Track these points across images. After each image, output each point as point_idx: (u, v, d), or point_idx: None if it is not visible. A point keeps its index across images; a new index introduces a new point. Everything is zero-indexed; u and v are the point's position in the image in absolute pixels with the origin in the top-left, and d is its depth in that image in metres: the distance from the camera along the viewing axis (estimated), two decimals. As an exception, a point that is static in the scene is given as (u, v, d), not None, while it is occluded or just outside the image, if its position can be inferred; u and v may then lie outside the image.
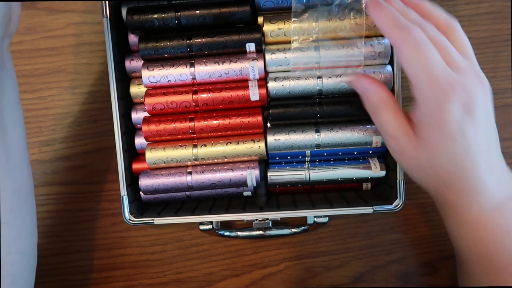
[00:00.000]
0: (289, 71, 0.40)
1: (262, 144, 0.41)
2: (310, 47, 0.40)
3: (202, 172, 0.41)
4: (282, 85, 0.40)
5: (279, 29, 0.40)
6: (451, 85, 0.31)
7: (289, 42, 0.40)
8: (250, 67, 0.40)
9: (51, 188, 0.47)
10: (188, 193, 0.44)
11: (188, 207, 0.44)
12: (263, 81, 0.41)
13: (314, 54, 0.39)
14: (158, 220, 0.42)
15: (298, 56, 0.39)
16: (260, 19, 0.41)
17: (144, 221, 0.42)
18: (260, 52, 0.41)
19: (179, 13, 0.39)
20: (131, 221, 0.42)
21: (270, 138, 0.41)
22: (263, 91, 0.40)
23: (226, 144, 0.41)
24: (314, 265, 0.46)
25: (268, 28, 0.40)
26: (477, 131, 0.32)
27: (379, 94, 0.35)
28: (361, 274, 0.46)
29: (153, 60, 0.41)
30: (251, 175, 0.41)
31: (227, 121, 0.41)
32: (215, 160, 0.42)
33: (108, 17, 0.40)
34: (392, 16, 0.32)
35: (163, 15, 0.40)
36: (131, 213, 0.42)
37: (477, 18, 0.46)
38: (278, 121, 0.41)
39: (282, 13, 0.41)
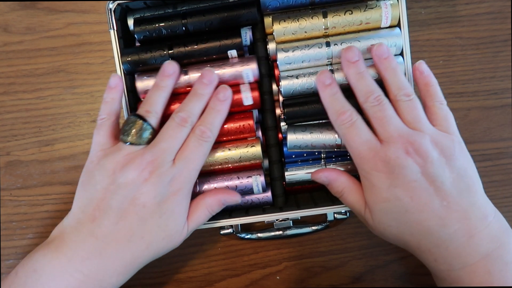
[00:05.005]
0: (301, 68, 0.40)
1: (258, 148, 0.40)
2: (321, 43, 0.39)
3: (208, 182, 0.41)
4: (294, 83, 0.40)
5: (288, 27, 0.39)
6: (373, 157, 0.34)
7: (299, 40, 0.39)
8: (244, 73, 0.40)
9: (51, 188, 0.47)
10: None
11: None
12: (255, 84, 0.40)
13: (326, 50, 0.39)
14: None
15: (309, 53, 0.39)
16: (268, 19, 0.41)
17: None
18: (242, 56, 0.40)
19: (186, 20, 0.39)
20: None
21: (291, 137, 0.40)
22: (256, 94, 0.40)
23: (222, 151, 0.41)
24: (313, 265, 0.46)
25: (278, 27, 0.39)
26: (413, 190, 0.33)
27: (339, 181, 0.38)
28: (361, 274, 0.46)
29: (145, 71, 0.41)
30: (257, 181, 0.41)
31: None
32: (210, 167, 0.41)
33: (115, 29, 0.40)
34: (331, 96, 0.37)
35: (170, 23, 0.39)
36: None
37: (477, 18, 0.46)
38: (293, 119, 0.40)
39: (288, 11, 0.41)
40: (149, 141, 0.36)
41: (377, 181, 0.34)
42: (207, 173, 0.42)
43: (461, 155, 0.35)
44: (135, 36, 0.40)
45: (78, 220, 0.35)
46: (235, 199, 0.39)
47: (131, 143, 0.35)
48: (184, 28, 0.40)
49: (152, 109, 0.36)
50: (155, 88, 0.38)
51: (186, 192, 0.36)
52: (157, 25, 0.40)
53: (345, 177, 0.38)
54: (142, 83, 0.40)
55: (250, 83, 0.40)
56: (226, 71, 0.40)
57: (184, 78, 0.40)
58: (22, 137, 0.47)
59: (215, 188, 0.40)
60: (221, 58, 0.40)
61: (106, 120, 0.37)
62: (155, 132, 0.36)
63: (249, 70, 0.40)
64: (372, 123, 0.35)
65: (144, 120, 0.36)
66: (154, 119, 0.36)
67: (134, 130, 0.35)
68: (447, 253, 0.34)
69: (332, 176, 0.38)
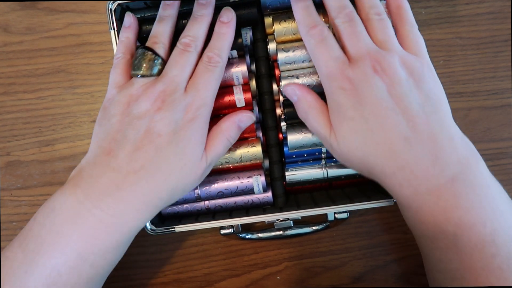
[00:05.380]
0: (301, 68, 0.40)
1: (258, 148, 0.41)
2: None
3: (209, 182, 0.41)
4: (295, 83, 0.40)
5: (289, 28, 0.39)
6: (341, 74, 0.34)
7: (299, 40, 0.40)
8: (234, 75, 0.40)
9: (51, 188, 0.47)
10: (206, 204, 0.44)
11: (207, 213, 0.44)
12: (247, 86, 0.40)
13: None
14: (180, 228, 0.41)
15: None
16: (268, 19, 0.41)
17: (165, 230, 0.41)
18: (242, 57, 0.41)
19: (185, 20, 0.39)
20: (152, 231, 0.41)
21: (292, 137, 0.40)
22: (248, 95, 0.40)
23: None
24: (314, 265, 0.46)
25: (278, 27, 0.39)
26: (379, 108, 0.32)
27: (306, 99, 0.37)
28: (361, 274, 0.46)
29: None
30: (257, 181, 0.41)
31: None
32: (217, 167, 0.41)
33: (115, 29, 0.40)
34: (304, 9, 0.36)
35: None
36: (152, 223, 0.41)
37: (477, 18, 0.46)
38: (294, 119, 0.40)
39: (289, 11, 0.41)
40: (159, 72, 0.36)
41: (343, 99, 0.33)
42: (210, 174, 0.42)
43: (430, 78, 0.34)
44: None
45: (95, 155, 0.35)
46: (250, 115, 0.38)
47: (143, 76, 0.35)
48: (183, 28, 0.40)
49: (159, 40, 0.36)
50: (158, 20, 0.37)
51: (202, 120, 0.35)
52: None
53: (314, 96, 0.37)
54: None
55: (242, 85, 0.40)
56: None
57: None
58: (23, 137, 0.47)
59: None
60: None
61: (122, 59, 0.37)
62: (165, 62, 0.36)
63: (239, 73, 0.40)
64: (342, 39, 0.35)
65: (152, 51, 0.36)
66: (162, 50, 0.36)
67: (144, 63, 0.35)
68: (412, 176, 0.32)
69: (302, 92, 0.37)
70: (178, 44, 0.36)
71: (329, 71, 0.34)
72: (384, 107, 0.32)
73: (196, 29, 0.36)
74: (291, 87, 0.37)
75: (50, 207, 0.33)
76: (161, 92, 0.34)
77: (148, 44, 0.36)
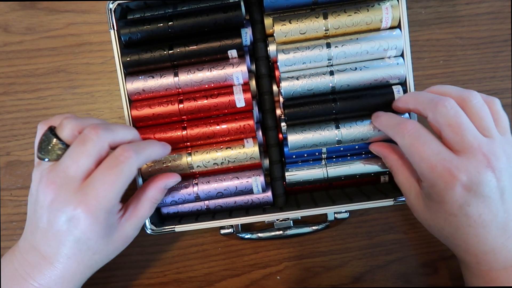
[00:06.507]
0: (301, 70, 0.40)
1: (256, 149, 0.40)
2: (322, 44, 0.39)
3: (208, 182, 0.41)
4: (295, 84, 0.40)
5: (289, 29, 0.39)
6: (449, 172, 0.32)
7: (299, 41, 0.39)
8: (234, 76, 0.40)
9: (51, 188, 0.47)
10: (206, 204, 0.44)
11: (207, 213, 0.44)
12: (247, 86, 0.40)
13: (326, 52, 0.39)
14: (180, 228, 0.41)
15: (310, 55, 0.39)
16: (268, 20, 0.41)
17: (165, 230, 0.42)
18: (242, 57, 0.41)
19: (171, 23, 0.39)
20: (152, 231, 0.41)
21: (292, 138, 0.40)
22: (248, 95, 0.40)
23: (221, 151, 0.41)
24: (314, 265, 0.46)
25: (278, 29, 0.39)
26: (485, 206, 0.32)
27: (389, 159, 0.39)
28: (361, 274, 0.46)
29: (138, 72, 0.41)
30: (256, 181, 0.41)
31: (219, 127, 0.40)
32: (215, 167, 0.41)
33: (115, 29, 0.40)
34: (385, 114, 0.37)
35: (158, 25, 0.39)
36: (151, 223, 0.42)
37: (477, 18, 0.46)
38: (294, 120, 0.40)
39: (289, 13, 0.41)
40: (58, 157, 0.34)
41: (449, 197, 0.32)
42: (206, 173, 0.42)
43: None
44: (121, 37, 0.40)
45: (26, 227, 0.37)
46: (175, 179, 0.39)
47: (49, 160, 0.35)
48: (170, 30, 0.39)
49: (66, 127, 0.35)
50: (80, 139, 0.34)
51: (100, 214, 0.33)
52: (144, 27, 0.39)
53: (395, 157, 0.38)
54: (132, 85, 0.41)
55: (242, 85, 0.40)
56: (216, 74, 0.40)
57: (174, 80, 0.40)
58: (22, 137, 0.47)
59: (154, 176, 0.39)
60: (221, 59, 0.40)
61: (40, 130, 0.37)
62: (67, 147, 0.34)
63: (239, 73, 0.40)
64: (446, 131, 0.33)
65: (57, 137, 0.34)
66: (68, 134, 0.34)
67: (44, 146, 0.34)
68: (493, 258, 0.34)
69: (383, 152, 0.39)
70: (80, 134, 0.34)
71: (433, 167, 0.32)
72: (490, 204, 0.32)
73: (108, 134, 0.34)
74: (373, 148, 0.40)
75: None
76: (52, 183, 0.33)
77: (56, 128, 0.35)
